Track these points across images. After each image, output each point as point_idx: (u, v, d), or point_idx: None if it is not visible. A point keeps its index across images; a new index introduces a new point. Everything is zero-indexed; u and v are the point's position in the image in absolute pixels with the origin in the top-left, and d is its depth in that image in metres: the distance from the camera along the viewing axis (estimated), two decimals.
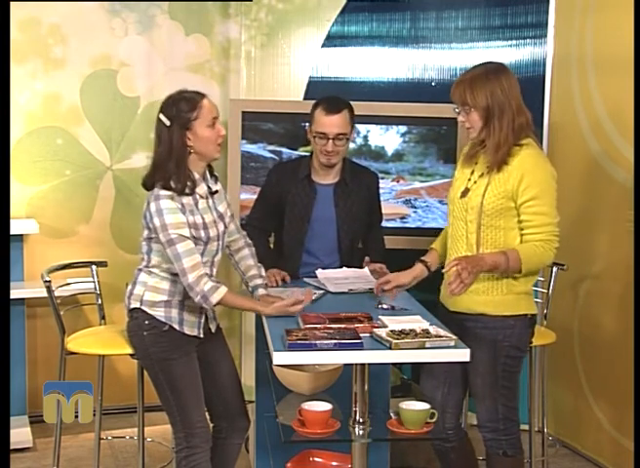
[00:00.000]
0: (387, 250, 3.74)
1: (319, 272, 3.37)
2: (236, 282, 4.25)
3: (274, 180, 3.62)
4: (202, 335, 2.99)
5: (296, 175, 3.56)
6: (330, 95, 3.56)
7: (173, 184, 2.86)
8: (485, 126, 2.89)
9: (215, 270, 3.02)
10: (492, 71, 2.89)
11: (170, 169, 2.86)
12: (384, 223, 3.82)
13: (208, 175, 3.00)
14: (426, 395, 3.08)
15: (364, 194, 3.59)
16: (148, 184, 2.92)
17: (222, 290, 2.86)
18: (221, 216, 3.01)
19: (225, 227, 3.02)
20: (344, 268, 3.41)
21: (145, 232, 2.93)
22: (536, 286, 3.14)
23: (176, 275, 2.89)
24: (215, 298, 2.84)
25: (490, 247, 2.91)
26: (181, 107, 2.88)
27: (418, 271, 3.11)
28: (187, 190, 2.88)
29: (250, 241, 3.22)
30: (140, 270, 2.98)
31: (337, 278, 3.33)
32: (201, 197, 2.94)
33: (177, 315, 2.93)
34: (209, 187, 2.98)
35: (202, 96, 2.94)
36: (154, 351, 2.92)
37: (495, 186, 2.89)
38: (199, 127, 2.88)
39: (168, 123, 2.88)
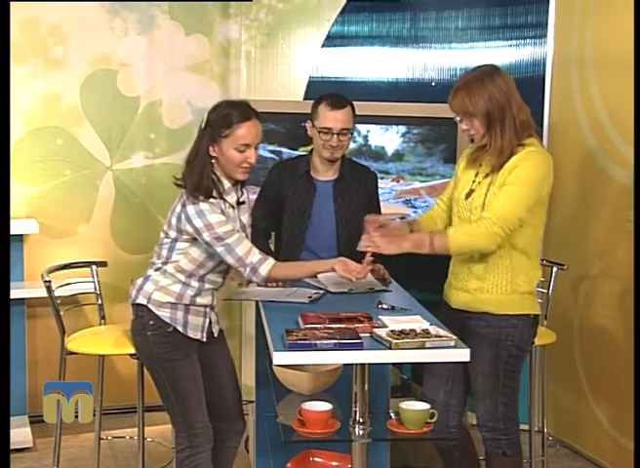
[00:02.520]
0: None
1: None
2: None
3: (274, 177, 3.64)
4: (205, 339, 2.99)
5: (295, 171, 3.58)
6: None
7: (201, 188, 2.86)
8: (488, 131, 2.87)
9: (227, 278, 3.04)
10: (486, 74, 2.86)
11: (195, 172, 2.87)
12: None
13: (239, 186, 3.01)
14: (429, 393, 3.09)
15: (362, 191, 3.60)
16: (183, 184, 2.92)
17: (270, 261, 2.90)
18: (243, 227, 3.02)
19: (247, 238, 3.02)
20: None
21: (173, 233, 2.90)
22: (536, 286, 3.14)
23: (188, 278, 2.91)
24: (269, 264, 2.88)
25: None
26: (218, 121, 2.87)
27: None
28: (214, 194, 2.88)
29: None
30: (158, 269, 2.96)
31: (337, 278, 3.32)
32: (230, 206, 2.95)
33: (182, 317, 2.92)
34: (238, 197, 2.99)
35: (246, 118, 2.87)
36: (157, 352, 2.92)
37: (496, 185, 2.88)
38: (225, 145, 2.87)
39: (203, 126, 2.90)
